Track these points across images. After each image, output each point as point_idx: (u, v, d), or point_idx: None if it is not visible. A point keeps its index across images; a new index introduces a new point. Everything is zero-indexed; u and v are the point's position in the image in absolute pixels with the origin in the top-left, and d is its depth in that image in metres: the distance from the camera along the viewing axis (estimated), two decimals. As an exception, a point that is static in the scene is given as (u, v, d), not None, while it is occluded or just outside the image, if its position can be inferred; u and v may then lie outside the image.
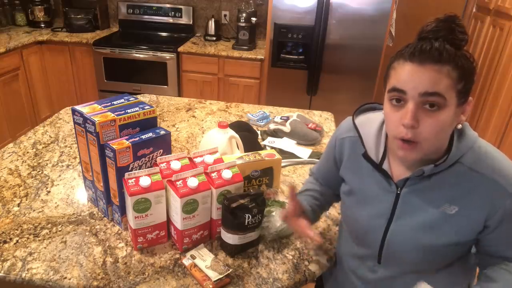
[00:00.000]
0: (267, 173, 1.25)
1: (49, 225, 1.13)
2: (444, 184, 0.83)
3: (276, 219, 1.10)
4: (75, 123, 1.11)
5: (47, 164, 1.44)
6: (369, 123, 0.94)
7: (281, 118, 1.77)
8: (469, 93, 0.78)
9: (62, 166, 1.44)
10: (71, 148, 1.56)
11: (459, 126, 0.81)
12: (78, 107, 1.10)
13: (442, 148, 0.83)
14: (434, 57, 0.73)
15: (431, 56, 0.73)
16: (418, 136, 0.76)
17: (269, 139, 1.70)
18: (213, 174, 1.05)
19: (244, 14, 3.21)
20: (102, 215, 1.18)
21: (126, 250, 1.05)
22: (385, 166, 0.90)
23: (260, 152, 1.27)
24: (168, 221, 1.07)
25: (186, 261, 1.01)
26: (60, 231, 1.11)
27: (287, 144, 1.66)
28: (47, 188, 1.30)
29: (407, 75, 0.75)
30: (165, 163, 1.07)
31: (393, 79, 0.78)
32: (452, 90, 0.74)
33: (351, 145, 0.97)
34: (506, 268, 0.86)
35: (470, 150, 0.82)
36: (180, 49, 3.20)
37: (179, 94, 3.37)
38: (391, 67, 0.80)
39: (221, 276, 0.96)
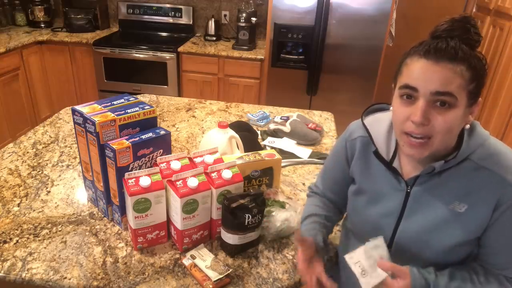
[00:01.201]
0: (267, 173, 1.24)
1: (49, 225, 1.13)
2: (454, 181, 0.83)
3: (276, 219, 1.10)
4: (75, 123, 1.11)
5: (47, 164, 1.44)
6: (378, 122, 0.94)
7: (281, 118, 1.77)
8: (479, 95, 0.78)
9: (62, 166, 1.44)
10: (71, 148, 1.56)
11: (467, 126, 0.82)
12: (78, 107, 1.10)
13: (451, 145, 0.83)
14: (450, 56, 0.73)
15: (446, 54, 0.73)
16: (429, 131, 0.76)
17: (269, 139, 1.70)
18: (213, 174, 1.05)
19: (244, 14, 3.21)
20: (102, 215, 1.18)
21: (126, 250, 1.05)
22: (395, 164, 0.90)
23: (260, 152, 1.27)
24: (168, 221, 1.07)
25: (186, 261, 1.01)
26: (60, 231, 1.11)
27: (287, 144, 1.66)
28: (47, 188, 1.30)
29: (420, 72, 0.75)
30: (165, 163, 1.07)
31: (405, 76, 0.78)
32: (463, 90, 0.74)
33: (362, 145, 0.97)
34: (475, 272, 0.86)
35: (480, 147, 0.82)
36: (180, 49, 3.20)
37: (179, 94, 3.37)
38: (404, 63, 0.80)
39: (221, 276, 0.96)
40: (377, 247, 0.86)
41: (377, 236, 0.92)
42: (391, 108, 0.87)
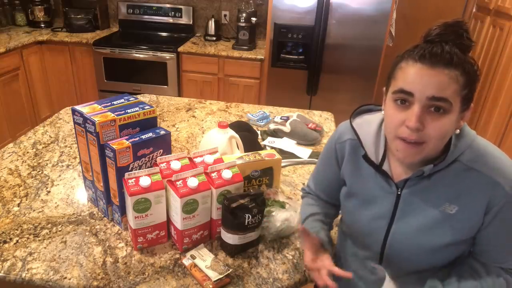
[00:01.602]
0: (267, 173, 1.24)
1: (49, 225, 1.13)
2: (444, 183, 0.83)
3: (276, 219, 1.10)
4: (75, 123, 1.11)
5: (47, 164, 1.44)
6: (367, 124, 0.94)
7: (281, 118, 1.77)
8: (471, 100, 0.78)
9: (62, 166, 1.44)
10: (71, 148, 1.56)
11: (457, 131, 0.82)
12: (78, 107, 1.10)
13: (440, 148, 0.83)
14: (445, 61, 0.73)
15: (442, 59, 0.73)
16: (423, 137, 0.76)
17: (269, 139, 1.70)
18: (213, 174, 1.05)
19: (244, 14, 3.21)
20: (102, 215, 1.18)
21: (126, 250, 1.05)
22: (385, 167, 0.90)
23: (260, 152, 1.27)
24: (168, 221, 1.07)
25: (186, 261, 1.01)
26: (60, 231, 1.11)
27: (287, 144, 1.66)
28: (47, 188, 1.30)
29: (416, 77, 0.74)
30: (165, 163, 1.07)
31: (400, 80, 0.77)
32: (458, 95, 0.74)
33: (351, 148, 0.96)
34: (475, 271, 0.87)
35: (468, 148, 0.82)
36: (180, 49, 3.20)
37: (179, 94, 3.37)
38: (398, 67, 0.79)
39: (221, 276, 0.96)
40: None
41: (371, 239, 0.93)
42: (382, 112, 0.87)
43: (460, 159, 0.82)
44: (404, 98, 0.76)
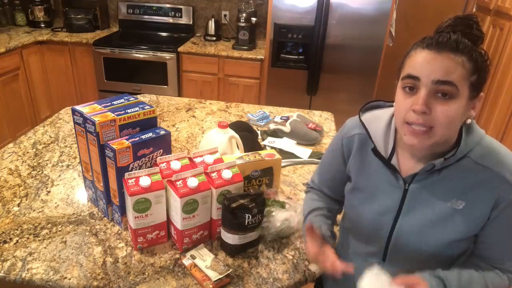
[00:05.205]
0: (267, 173, 1.24)
1: (49, 225, 1.13)
2: (452, 179, 0.84)
3: (276, 219, 1.10)
4: (75, 123, 1.11)
5: (47, 164, 1.44)
6: (376, 119, 0.95)
7: (281, 118, 1.77)
8: (480, 89, 0.79)
9: (62, 166, 1.44)
10: (71, 148, 1.56)
11: (469, 121, 0.83)
12: (78, 107, 1.10)
13: (451, 141, 0.83)
14: (451, 47, 0.74)
15: (448, 45, 0.74)
16: (431, 121, 0.77)
17: (269, 139, 1.70)
18: (213, 174, 1.05)
19: (244, 14, 3.21)
20: (102, 215, 1.18)
21: (126, 250, 1.05)
22: (393, 161, 0.90)
23: (260, 152, 1.27)
24: (168, 221, 1.07)
25: (186, 261, 1.01)
26: (60, 231, 1.11)
27: (287, 144, 1.66)
28: (47, 188, 1.30)
29: (422, 62, 0.76)
30: (165, 163, 1.07)
31: (407, 67, 0.79)
32: (465, 81, 0.75)
33: (359, 142, 0.97)
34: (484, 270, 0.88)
35: (477, 145, 0.83)
36: (180, 49, 3.20)
37: (179, 94, 3.37)
38: (407, 55, 0.81)
39: (221, 276, 0.96)
40: (378, 275, 0.85)
41: (376, 234, 0.93)
42: (392, 107, 0.87)
43: (469, 155, 0.83)
44: (412, 84, 0.78)
